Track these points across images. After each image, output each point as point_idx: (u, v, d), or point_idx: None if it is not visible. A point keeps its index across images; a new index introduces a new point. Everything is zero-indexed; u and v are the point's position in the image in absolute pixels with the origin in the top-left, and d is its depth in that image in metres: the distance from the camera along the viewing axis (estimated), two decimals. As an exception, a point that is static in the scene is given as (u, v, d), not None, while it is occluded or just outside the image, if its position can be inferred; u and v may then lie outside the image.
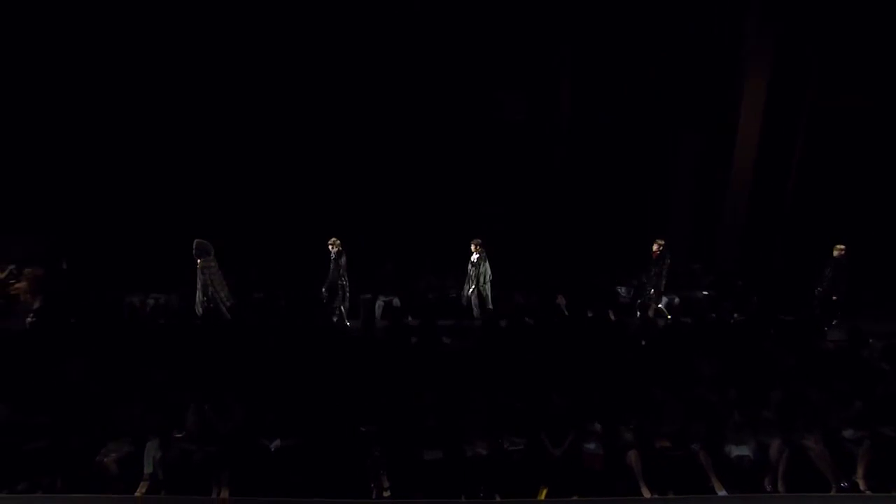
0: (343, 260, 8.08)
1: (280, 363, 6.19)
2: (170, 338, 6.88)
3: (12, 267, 8.73)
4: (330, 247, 8.03)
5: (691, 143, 9.39)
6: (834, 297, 7.85)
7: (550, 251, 9.33)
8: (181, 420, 5.26)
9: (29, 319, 7.76)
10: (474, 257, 8.10)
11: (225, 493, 4.78)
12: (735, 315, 7.71)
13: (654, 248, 7.99)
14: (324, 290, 8.20)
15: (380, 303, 8.63)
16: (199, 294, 7.66)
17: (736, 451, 4.99)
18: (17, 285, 8.62)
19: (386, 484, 4.90)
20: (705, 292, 8.54)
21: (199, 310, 7.70)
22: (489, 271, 8.16)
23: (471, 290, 8.23)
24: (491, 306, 8.24)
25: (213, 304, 7.66)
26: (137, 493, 4.75)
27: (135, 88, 9.54)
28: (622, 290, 8.33)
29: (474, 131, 9.89)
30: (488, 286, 8.20)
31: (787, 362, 6.05)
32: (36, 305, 7.97)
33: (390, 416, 5.42)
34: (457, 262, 8.86)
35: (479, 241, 8.10)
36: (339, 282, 8.10)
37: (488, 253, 8.19)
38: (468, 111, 9.90)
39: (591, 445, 5.01)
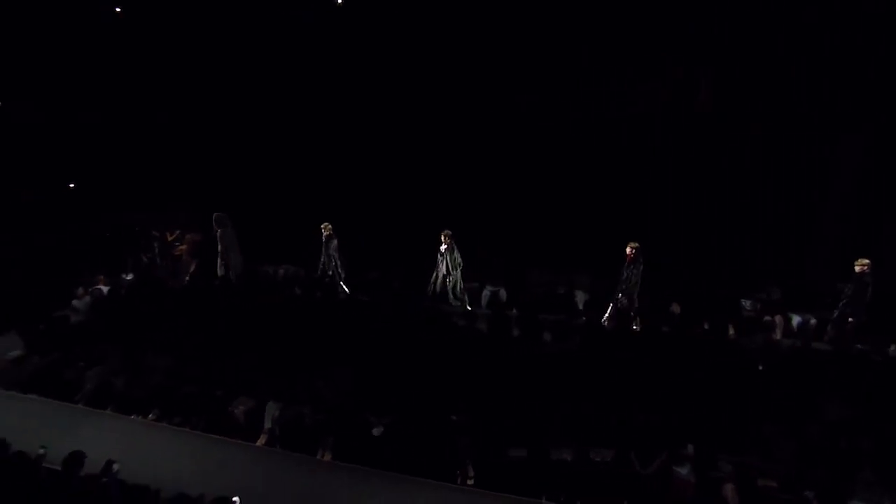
0: (334, 243, 8.84)
1: (388, 344, 6.72)
2: (293, 308, 7.79)
3: (179, 231, 10.41)
4: (322, 230, 8.76)
5: (852, 146, 8.11)
6: (850, 319, 6.80)
7: (672, 254, 8.75)
8: (298, 385, 6.02)
9: (187, 279, 9.28)
10: (442, 247, 8.36)
11: (328, 456, 5.44)
12: (892, 348, 6.71)
13: (628, 251, 7.54)
14: (319, 269, 9.01)
15: (486, 292, 8.88)
16: (219, 259, 8.98)
17: (862, 510, 4.48)
18: (180, 247, 10.30)
19: (471, 473, 5.21)
20: (851, 318, 7.48)
21: (219, 272, 9.01)
22: (459, 260, 8.39)
23: (436, 278, 8.52)
24: (461, 293, 8.49)
25: (227, 270, 8.97)
26: (257, 443, 5.59)
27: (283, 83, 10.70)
28: (747, 304, 7.62)
29: (601, 124, 9.51)
30: (458, 274, 8.44)
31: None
32: (192, 268, 9.50)
33: (482, 409, 5.69)
34: (570, 260, 8.78)
35: (449, 232, 8.34)
36: (332, 262, 8.87)
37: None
38: (595, 103, 9.53)
39: (683, 470, 4.83)
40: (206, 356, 6.62)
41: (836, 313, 6.99)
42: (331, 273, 8.96)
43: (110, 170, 11.33)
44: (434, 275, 8.59)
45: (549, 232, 9.04)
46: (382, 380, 6.14)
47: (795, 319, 7.38)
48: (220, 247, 8.98)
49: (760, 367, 5.99)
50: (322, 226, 8.88)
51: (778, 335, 7.01)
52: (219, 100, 10.96)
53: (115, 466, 4.80)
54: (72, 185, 11.74)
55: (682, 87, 9.05)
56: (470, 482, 5.15)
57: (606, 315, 7.78)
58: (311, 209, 9.59)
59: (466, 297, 8.57)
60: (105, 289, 8.44)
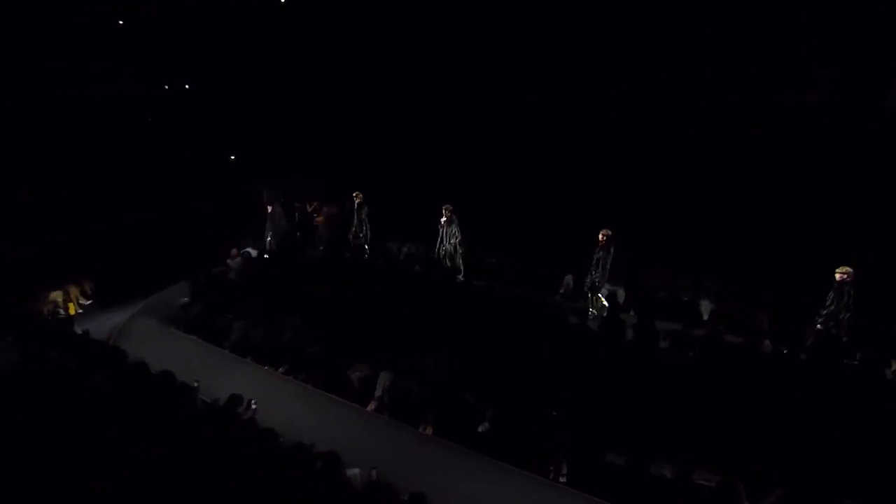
0: (365, 209, 10.09)
1: (497, 331, 6.98)
2: (412, 286, 8.36)
3: (317, 203, 11.57)
4: (354, 197, 9.99)
5: None
6: (833, 331, 6.71)
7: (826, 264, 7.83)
8: (409, 361, 6.52)
9: (321, 248, 10.35)
10: (442, 220, 9.19)
11: (429, 430, 5.88)
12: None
13: (601, 237, 7.98)
14: (351, 233, 10.28)
15: (604, 291, 8.74)
16: (269, 233, 10.08)
17: None
18: (318, 218, 11.45)
19: (563, 470, 5.31)
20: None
21: (271, 245, 10.08)
22: (457, 233, 9.23)
23: (438, 248, 9.44)
24: (460, 263, 9.40)
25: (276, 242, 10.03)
26: (368, 408, 6.21)
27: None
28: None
29: (751, 115, 8.75)
30: (457, 246, 9.30)
31: None
32: (326, 238, 10.56)
33: (584, 409, 5.73)
34: (699, 265, 8.29)
35: (450, 206, 9.16)
36: (362, 227, 10.10)
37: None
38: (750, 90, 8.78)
39: (801, 514, 4.48)
40: (331, 321, 7.41)
41: (817, 325, 6.85)
42: (361, 236, 10.26)
43: (264, 144, 13.00)
44: (437, 245, 9.53)
45: (679, 233, 8.60)
46: (489, 366, 6.42)
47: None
48: (269, 222, 10.08)
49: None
50: (354, 194, 10.12)
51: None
52: (361, 84, 11.99)
53: (254, 405, 5.67)
54: (232, 158, 13.62)
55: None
56: (562, 479, 5.26)
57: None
58: (440, 191, 10.16)
59: (463, 268, 9.47)
60: (254, 252, 9.77)
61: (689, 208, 8.98)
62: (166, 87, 13.43)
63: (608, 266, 7.98)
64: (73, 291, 9.10)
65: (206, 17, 12.60)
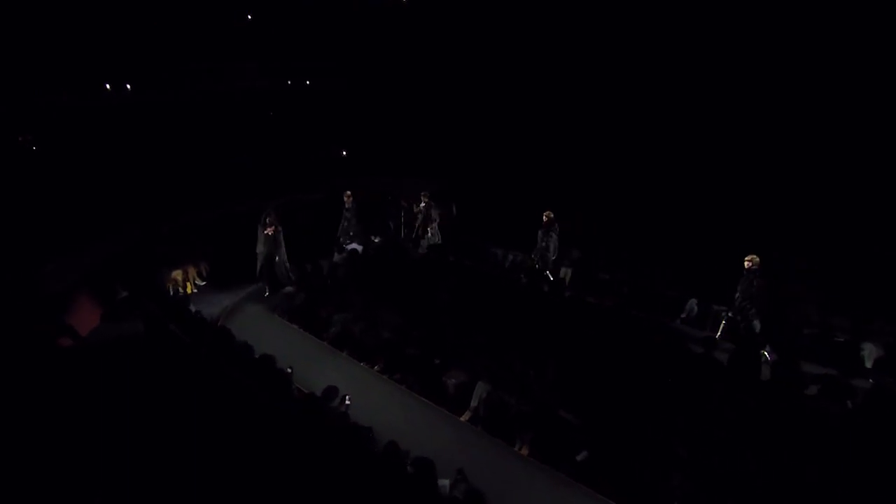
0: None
1: (610, 353, 6.59)
2: (516, 297, 8.17)
3: (423, 205, 11.74)
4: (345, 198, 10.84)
5: None
6: (738, 318, 7.43)
7: None
8: (510, 373, 6.31)
9: (422, 249, 10.48)
10: (421, 205, 10.69)
11: (525, 451, 5.63)
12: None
13: (544, 218, 9.15)
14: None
15: (727, 316, 7.98)
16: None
17: None
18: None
19: (676, 520, 4.83)
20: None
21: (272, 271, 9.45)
22: (433, 216, 10.64)
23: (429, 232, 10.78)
24: (440, 241, 10.63)
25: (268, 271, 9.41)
26: (462, 418, 6.09)
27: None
28: None
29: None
30: (434, 227, 10.72)
31: None
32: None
33: (705, 449, 5.19)
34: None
35: (427, 193, 10.66)
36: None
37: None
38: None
39: None
40: (431, 323, 7.40)
41: (723, 317, 7.64)
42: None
43: (375, 141, 13.55)
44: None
45: (838, 257, 7.66)
46: (595, 389, 6.04)
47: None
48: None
49: None
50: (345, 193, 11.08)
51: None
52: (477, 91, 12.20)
53: (347, 400, 5.77)
54: (344, 153, 14.31)
55: None
56: (671, 527, 4.79)
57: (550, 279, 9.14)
58: (555, 202, 9.98)
59: (424, 247, 10.52)
60: (359, 247, 10.11)
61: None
62: (289, 82, 14.47)
63: (546, 245, 9.15)
64: (192, 272, 9.93)
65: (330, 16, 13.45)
